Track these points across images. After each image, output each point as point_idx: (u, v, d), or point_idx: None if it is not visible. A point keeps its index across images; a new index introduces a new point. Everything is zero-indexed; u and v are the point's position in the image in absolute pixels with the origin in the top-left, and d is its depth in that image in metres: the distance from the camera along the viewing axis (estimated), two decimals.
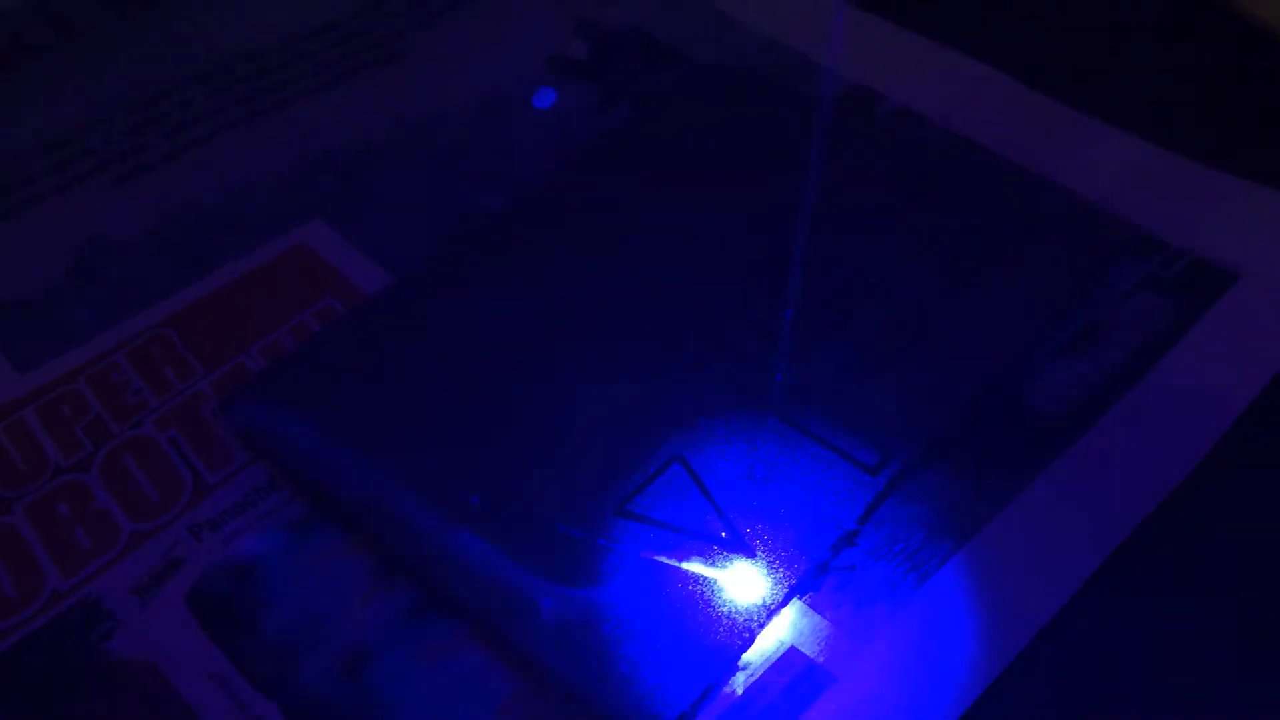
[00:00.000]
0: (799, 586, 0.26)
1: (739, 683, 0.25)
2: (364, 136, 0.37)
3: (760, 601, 0.25)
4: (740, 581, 0.26)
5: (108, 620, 0.26)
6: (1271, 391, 0.29)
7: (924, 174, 0.35)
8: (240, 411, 0.29)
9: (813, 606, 0.26)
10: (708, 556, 0.26)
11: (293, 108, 0.38)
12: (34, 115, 0.38)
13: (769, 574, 0.26)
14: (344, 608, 0.26)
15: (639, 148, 0.36)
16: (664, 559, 0.26)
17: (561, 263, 0.32)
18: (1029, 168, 0.35)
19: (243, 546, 0.27)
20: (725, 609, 0.25)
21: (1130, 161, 0.35)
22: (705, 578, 0.26)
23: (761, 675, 0.25)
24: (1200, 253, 0.32)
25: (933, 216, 0.33)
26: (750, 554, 0.26)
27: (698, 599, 0.25)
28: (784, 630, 0.25)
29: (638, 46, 0.40)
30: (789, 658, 0.25)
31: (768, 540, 0.26)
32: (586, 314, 0.31)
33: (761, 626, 0.25)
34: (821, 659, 0.25)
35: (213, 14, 0.42)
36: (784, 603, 0.26)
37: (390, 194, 0.35)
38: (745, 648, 0.25)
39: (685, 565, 0.26)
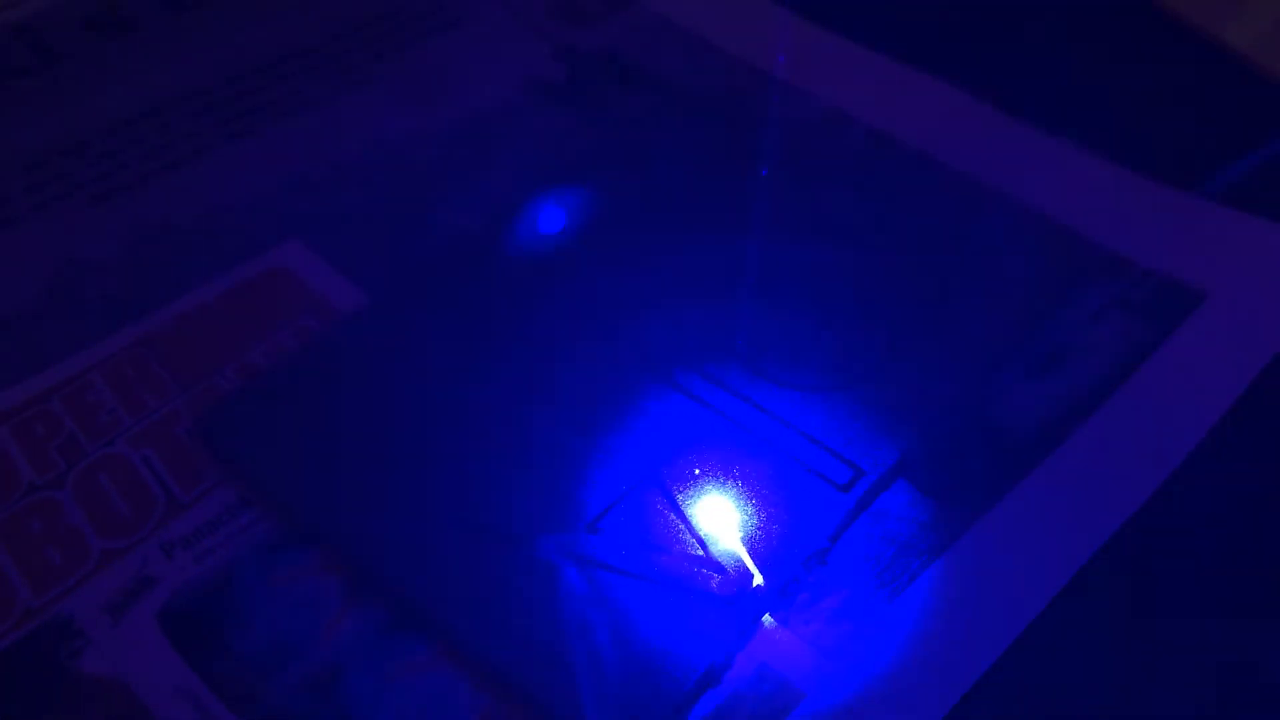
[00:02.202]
0: (770, 603, 0.26)
1: (710, 701, 0.25)
2: (341, 158, 0.37)
3: (731, 619, 0.25)
4: (711, 599, 0.26)
5: (78, 638, 0.26)
6: (1237, 410, 0.30)
7: (894, 196, 0.35)
8: (214, 430, 0.29)
9: (783, 623, 0.26)
10: (679, 574, 0.26)
11: (270, 130, 0.38)
12: (12, 136, 0.38)
13: (740, 592, 0.26)
14: (315, 626, 0.26)
15: (610, 171, 0.36)
16: (635, 577, 0.26)
17: (536, 283, 0.32)
18: (998, 189, 0.35)
19: (215, 565, 0.27)
20: (697, 627, 0.25)
21: (1098, 183, 0.35)
22: (677, 595, 0.26)
23: (732, 693, 0.25)
24: (1168, 273, 0.33)
25: (902, 238, 0.33)
26: (722, 571, 0.26)
27: (669, 617, 0.25)
28: (754, 647, 0.25)
29: (614, 70, 0.40)
30: (759, 675, 0.25)
31: (739, 558, 0.26)
32: (560, 334, 0.31)
33: (733, 644, 0.25)
34: (792, 676, 0.25)
35: (190, 38, 0.42)
36: (755, 620, 0.26)
37: (367, 215, 0.35)
38: (717, 665, 0.25)
39: (657, 582, 0.26)
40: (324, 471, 0.28)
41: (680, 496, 0.27)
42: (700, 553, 0.26)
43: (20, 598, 0.27)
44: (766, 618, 0.26)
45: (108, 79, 0.40)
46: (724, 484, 0.28)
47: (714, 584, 0.26)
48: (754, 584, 0.26)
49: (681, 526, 0.27)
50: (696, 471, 0.28)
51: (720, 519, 0.27)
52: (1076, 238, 0.34)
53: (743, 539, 0.27)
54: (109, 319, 0.32)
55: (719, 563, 0.26)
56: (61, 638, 0.26)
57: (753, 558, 0.26)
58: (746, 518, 0.27)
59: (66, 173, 0.37)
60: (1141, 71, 0.40)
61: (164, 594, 0.27)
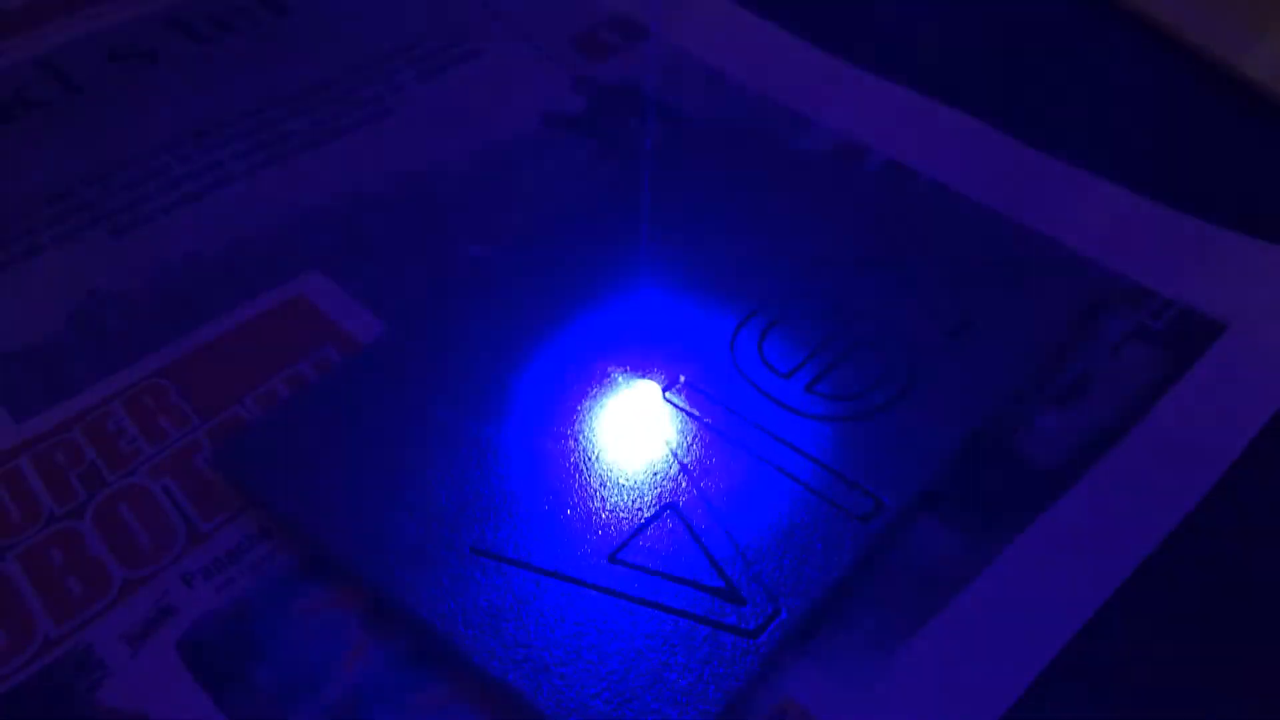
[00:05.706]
0: (792, 635, 0.26)
1: None
2: (361, 189, 0.37)
3: (754, 650, 0.25)
4: (733, 631, 0.26)
5: (98, 669, 0.26)
6: (1260, 442, 0.29)
7: (912, 227, 0.35)
8: (234, 460, 0.29)
9: (806, 656, 0.26)
10: (701, 605, 0.26)
11: (291, 161, 0.38)
12: (35, 167, 0.38)
13: (762, 623, 0.26)
14: (335, 659, 0.26)
15: (632, 198, 0.36)
16: (657, 607, 0.26)
17: (553, 311, 0.32)
18: (1017, 219, 0.35)
19: (235, 595, 0.27)
20: (718, 658, 0.25)
21: (1118, 212, 0.35)
22: (698, 627, 0.26)
23: None
24: (1189, 303, 0.33)
25: (922, 269, 0.33)
26: (743, 602, 0.26)
27: (690, 649, 0.25)
28: (777, 680, 0.25)
29: (633, 102, 0.40)
30: (782, 708, 0.25)
31: (760, 589, 0.26)
32: (580, 364, 0.31)
33: (755, 676, 0.25)
34: (815, 709, 0.25)
35: (211, 71, 0.42)
36: (777, 652, 0.26)
37: (387, 246, 0.36)
38: (739, 697, 0.25)
39: (678, 614, 0.26)
40: (344, 502, 0.28)
41: (701, 527, 0.27)
42: (721, 584, 0.26)
43: (40, 628, 0.27)
44: (788, 649, 0.26)
45: (130, 111, 0.41)
46: (744, 515, 0.28)
47: (735, 615, 0.26)
48: (776, 616, 0.26)
49: (702, 557, 0.27)
50: (717, 502, 0.28)
51: (741, 550, 0.27)
52: (1097, 268, 0.34)
53: (764, 571, 0.26)
54: (130, 349, 0.33)
55: (740, 594, 0.26)
56: (81, 668, 0.26)
57: (774, 589, 0.26)
58: (767, 549, 0.27)
59: (89, 204, 0.37)
60: (1161, 102, 0.41)
61: (184, 624, 0.27)
